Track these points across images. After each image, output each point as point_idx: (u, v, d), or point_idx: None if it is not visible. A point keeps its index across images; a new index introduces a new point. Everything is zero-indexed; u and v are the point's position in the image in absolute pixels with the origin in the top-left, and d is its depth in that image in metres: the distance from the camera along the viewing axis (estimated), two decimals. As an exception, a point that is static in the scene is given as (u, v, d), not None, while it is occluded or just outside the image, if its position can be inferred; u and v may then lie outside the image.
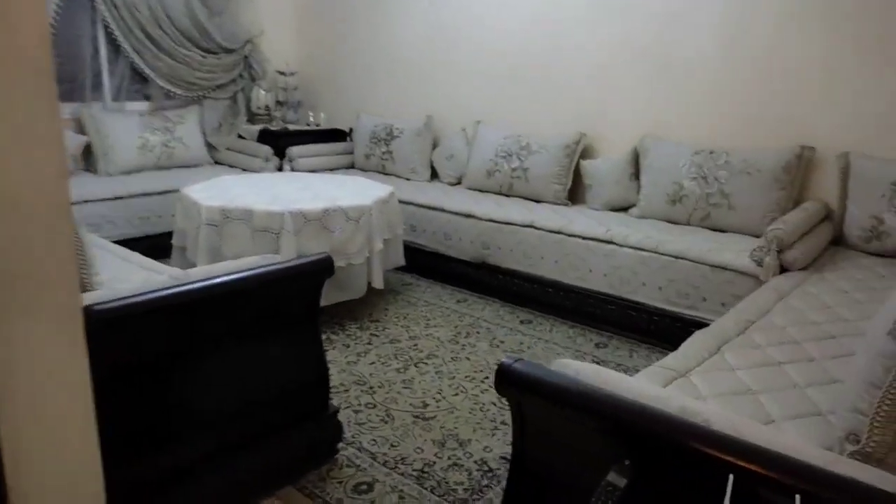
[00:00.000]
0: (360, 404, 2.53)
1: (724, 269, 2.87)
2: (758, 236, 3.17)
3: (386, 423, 2.41)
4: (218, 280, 1.78)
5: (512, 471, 1.46)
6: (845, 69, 3.13)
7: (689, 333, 2.92)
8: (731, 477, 1.05)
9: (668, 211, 3.51)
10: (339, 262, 3.17)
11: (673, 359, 1.87)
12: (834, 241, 3.09)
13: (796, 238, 2.79)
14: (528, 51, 4.24)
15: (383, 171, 4.80)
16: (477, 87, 4.54)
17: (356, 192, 3.49)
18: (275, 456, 2.00)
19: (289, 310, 2.03)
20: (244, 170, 4.71)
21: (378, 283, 3.36)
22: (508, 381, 1.30)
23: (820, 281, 2.58)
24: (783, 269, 2.72)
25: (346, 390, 2.63)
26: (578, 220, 3.49)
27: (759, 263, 2.73)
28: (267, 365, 1.97)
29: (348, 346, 3.04)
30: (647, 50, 3.74)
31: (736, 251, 2.91)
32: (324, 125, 5.22)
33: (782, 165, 3.22)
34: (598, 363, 2.93)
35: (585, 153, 4.00)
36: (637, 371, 2.84)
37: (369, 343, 3.09)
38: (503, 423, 2.42)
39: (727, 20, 3.45)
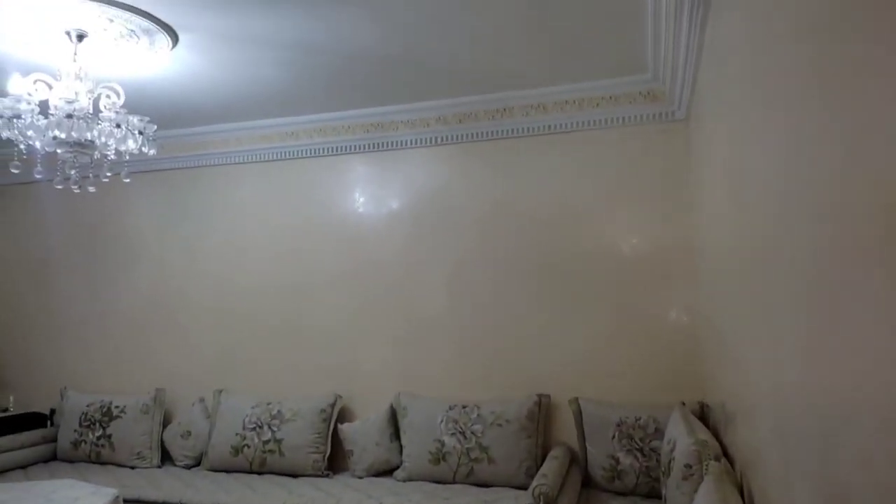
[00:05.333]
0: None
1: (503, 533, 2.83)
2: (519, 487, 3.28)
3: None
4: None
5: None
6: (561, 323, 3.65)
7: None
8: None
9: (433, 470, 3.46)
10: None
11: None
12: (584, 482, 3.30)
13: (558, 490, 2.92)
14: (270, 313, 4.14)
15: (98, 461, 3.95)
16: (214, 352, 4.22)
17: (66, 506, 2.75)
18: None
19: None
20: None
21: None
22: None
23: (590, 535, 2.68)
24: (554, 524, 2.78)
25: None
26: (346, 496, 3.22)
27: (533, 522, 2.76)
28: None
29: None
30: (389, 310, 3.94)
31: (508, 511, 2.92)
32: (14, 409, 4.23)
33: (525, 414, 3.47)
34: None
35: (342, 415, 3.85)
36: None
37: None
38: None
39: (452, 281, 3.85)
